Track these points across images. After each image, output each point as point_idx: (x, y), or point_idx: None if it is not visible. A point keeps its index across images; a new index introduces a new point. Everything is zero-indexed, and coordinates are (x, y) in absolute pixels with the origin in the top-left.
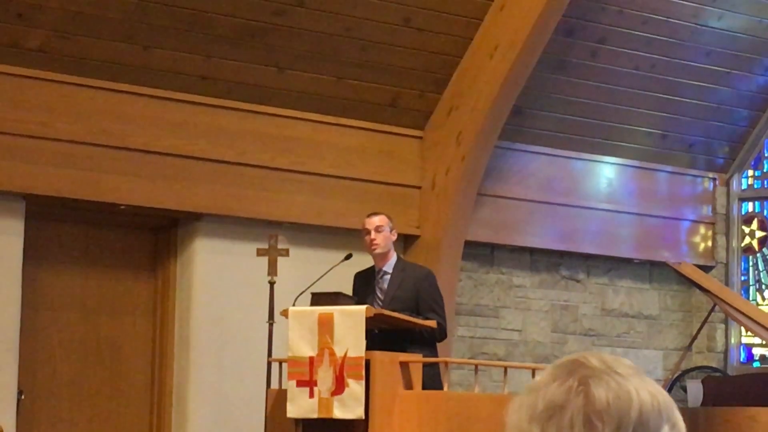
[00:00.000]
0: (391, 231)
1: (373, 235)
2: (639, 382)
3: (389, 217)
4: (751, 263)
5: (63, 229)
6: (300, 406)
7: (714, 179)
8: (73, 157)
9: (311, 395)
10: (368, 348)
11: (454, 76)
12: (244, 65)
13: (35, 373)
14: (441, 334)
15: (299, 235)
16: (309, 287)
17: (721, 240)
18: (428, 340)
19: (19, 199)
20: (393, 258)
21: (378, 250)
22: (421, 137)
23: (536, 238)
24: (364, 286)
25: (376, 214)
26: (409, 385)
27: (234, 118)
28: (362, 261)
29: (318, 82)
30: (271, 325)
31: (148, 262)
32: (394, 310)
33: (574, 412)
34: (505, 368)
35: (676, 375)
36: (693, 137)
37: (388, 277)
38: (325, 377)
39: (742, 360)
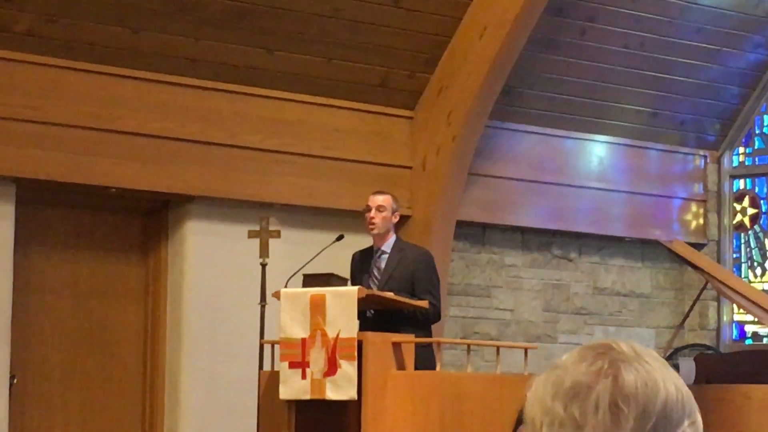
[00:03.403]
0: (393, 213)
1: (372, 213)
2: (667, 373)
3: (395, 199)
4: (742, 240)
5: (54, 213)
6: (292, 387)
7: (705, 157)
8: (63, 140)
9: (303, 377)
10: (362, 329)
11: (443, 56)
12: (233, 47)
13: (27, 357)
14: (435, 315)
15: (290, 216)
16: (301, 269)
17: (713, 217)
18: (422, 321)
19: (9, 183)
20: (392, 238)
21: (375, 231)
22: (411, 117)
23: (527, 217)
24: (362, 265)
25: (381, 192)
26: (401, 366)
27: (224, 100)
28: (353, 242)
29: (308, 63)
30: (263, 306)
31: (139, 245)
32: (390, 290)
33: (601, 393)
34: (498, 348)
35: (668, 353)
36: (684, 115)
37: (385, 256)
38: (317, 358)
39: (734, 337)
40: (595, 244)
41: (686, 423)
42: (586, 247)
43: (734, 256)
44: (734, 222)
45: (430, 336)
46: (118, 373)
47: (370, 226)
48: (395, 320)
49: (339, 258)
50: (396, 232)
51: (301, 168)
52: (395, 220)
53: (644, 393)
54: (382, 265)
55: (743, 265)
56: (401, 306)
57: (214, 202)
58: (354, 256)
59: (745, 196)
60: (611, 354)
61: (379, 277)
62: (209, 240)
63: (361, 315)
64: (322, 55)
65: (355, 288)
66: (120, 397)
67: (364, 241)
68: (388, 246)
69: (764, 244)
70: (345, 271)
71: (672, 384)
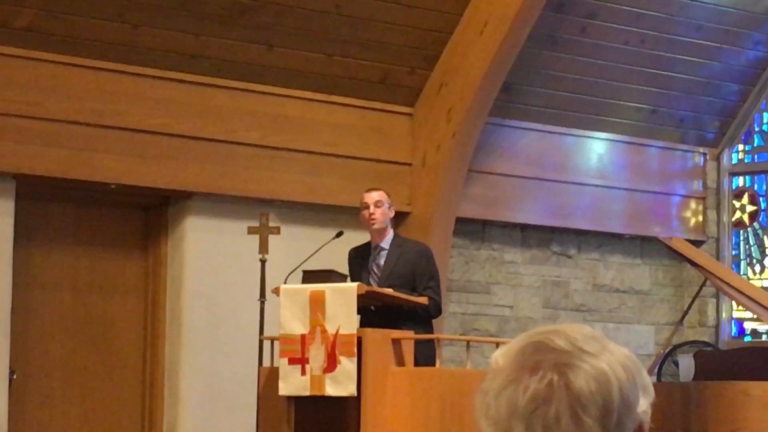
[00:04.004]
0: (389, 207)
1: (372, 209)
2: (609, 357)
3: (387, 193)
4: (741, 237)
5: (54, 209)
6: (292, 383)
7: (704, 154)
8: (63, 136)
9: (303, 373)
10: (363, 325)
11: (444, 52)
12: (234, 43)
13: (27, 352)
14: (436, 310)
15: (290, 212)
16: (300, 265)
17: (712, 214)
18: (423, 317)
19: (9, 178)
20: (390, 234)
21: (376, 226)
22: (411, 114)
23: (527, 214)
24: (360, 261)
25: (375, 189)
26: (401, 362)
27: (224, 96)
28: (353, 238)
29: (308, 59)
30: (262, 303)
31: (139, 240)
32: (390, 287)
33: (559, 406)
34: (497, 344)
35: (667, 350)
36: (683, 112)
37: (384, 253)
38: (317, 355)
39: (733, 334)
40: (595, 240)
41: (640, 394)
42: (586, 243)
43: (733, 253)
44: (733, 219)
45: (432, 330)
46: (118, 368)
47: (371, 222)
48: (396, 316)
49: (339, 254)
50: (396, 228)
51: (301, 164)
52: (392, 214)
53: (600, 393)
54: (382, 261)
55: (742, 262)
56: (401, 302)
57: (213, 198)
58: (350, 252)
59: (744, 194)
60: (551, 357)
61: (379, 274)
62: (209, 236)
63: (365, 309)
64: (323, 51)
65: (355, 284)
66: (120, 392)
67: (363, 238)
68: (386, 242)
69: (763, 242)
70: (344, 268)
71: (619, 366)
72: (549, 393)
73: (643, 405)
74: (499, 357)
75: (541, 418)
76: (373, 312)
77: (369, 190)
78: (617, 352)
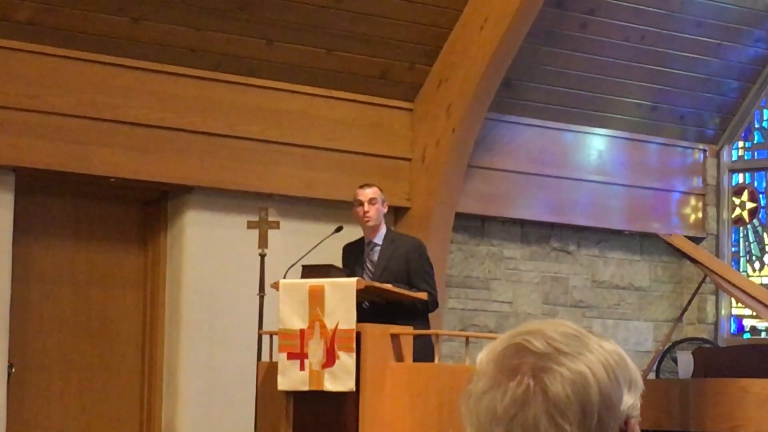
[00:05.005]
0: (383, 203)
1: (366, 207)
2: (588, 357)
3: (380, 189)
4: (741, 234)
5: (53, 202)
6: (291, 378)
7: (704, 150)
8: (62, 130)
9: (302, 368)
10: (360, 320)
11: (444, 48)
12: (233, 38)
13: (25, 346)
14: (432, 304)
15: (289, 207)
16: (299, 260)
17: (712, 211)
18: (420, 312)
19: (8, 172)
20: (383, 230)
21: (370, 223)
22: (411, 109)
23: (527, 210)
24: (353, 258)
25: (368, 185)
26: (400, 358)
27: (224, 90)
28: (352, 233)
29: (308, 54)
30: (261, 297)
31: (138, 234)
32: (385, 282)
33: (536, 412)
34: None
35: (666, 346)
36: (683, 109)
37: (378, 248)
38: (315, 350)
39: (732, 331)
40: (594, 237)
41: (625, 390)
42: (585, 240)
43: (733, 250)
44: (733, 216)
45: (428, 326)
46: (117, 362)
47: (366, 219)
48: (393, 311)
49: (338, 249)
50: (395, 223)
51: (301, 159)
52: (385, 210)
53: (577, 397)
54: (375, 257)
55: (742, 259)
56: (399, 297)
57: (213, 193)
58: (344, 249)
59: (744, 190)
60: (528, 360)
61: (372, 270)
62: (208, 230)
63: (358, 306)
64: (323, 46)
65: (354, 279)
66: (118, 387)
67: (360, 233)
68: (379, 238)
69: (763, 239)
70: (341, 263)
71: (599, 365)
72: (526, 398)
73: (629, 400)
74: (483, 357)
75: (520, 423)
76: (366, 309)
77: (362, 187)
78: (598, 351)
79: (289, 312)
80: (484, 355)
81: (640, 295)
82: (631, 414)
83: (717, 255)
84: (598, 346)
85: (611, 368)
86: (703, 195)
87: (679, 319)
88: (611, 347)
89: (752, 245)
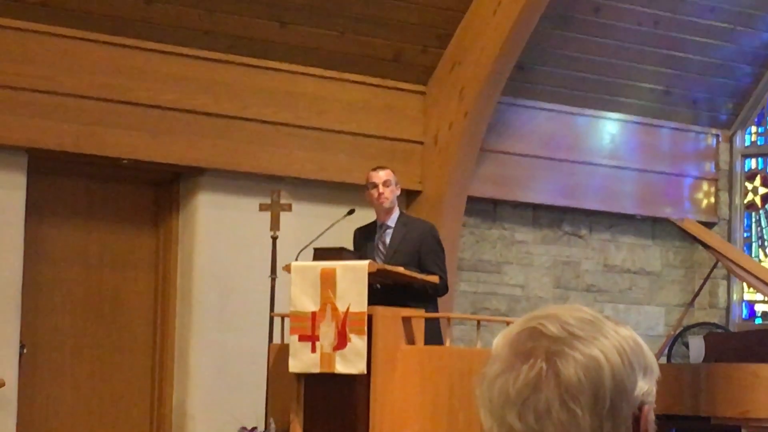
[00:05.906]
0: (396, 186)
1: (381, 188)
2: (602, 342)
3: (393, 171)
4: (753, 219)
5: (65, 184)
6: (302, 360)
7: (717, 135)
8: (75, 111)
9: (313, 350)
10: (370, 303)
11: (457, 31)
12: (246, 19)
13: (37, 327)
14: (443, 288)
15: (302, 190)
16: (311, 242)
17: (724, 196)
18: (430, 295)
19: (21, 153)
20: (396, 213)
21: (386, 204)
22: (423, 92)
23: (539, 193)
24: (365, 240)
25: (382, 168)
26: (411, 340)
27: (236, 72)
28: (364, 216)
29: (321, 36)
30: (273, 279)
31: (150, 216)
32: (396, 265)
33: (549, 396)
34: (507, 324)
35: (678, 331)
36: (696, 93)
37: (390, 231)
38: (327, 332)
39: (744, 316)
40: (606, 221)
41: (640, 376)
42: (597, 224)
43: (745, 235)
44: (745, 201)
45: (437, 309)
46: (128, 343)
47: (381, 201)
48: (403, 294)
49: (350, 232)
50: (407, 206)
51: (313, 141)
52: (398, 192)
53: (589, 381)
54: (387, 240)
55: (754, 245)
56: (411, 280)
57: (225, 175)
58: (356, 232)
59: (756, 176)
60: (542, 344)
61: (384, 252)
62: (220, 212)
63: (370, 288)
64: (336, 28)
65: (366, 262)
66: (129, 368)
67: (375, 215)
68: (392, 220)
69: None
70: (352, 246)
71: (613, 351)
72: (538, 382)
73: (644, 386)
74: (499, 341)
75: (533, 407)
76: (378, 290)
77: (376, 169)
78: (613, 336)
79: (300, 294)
80: (499, 339)
81: (652, 279)
82: (646, 400)
83: (729, 240)
84: (613, 332)
85: (625, 353)
86: (716, 180)
87: (691, 303)
88: (627, 333)
89: (764, 230)
